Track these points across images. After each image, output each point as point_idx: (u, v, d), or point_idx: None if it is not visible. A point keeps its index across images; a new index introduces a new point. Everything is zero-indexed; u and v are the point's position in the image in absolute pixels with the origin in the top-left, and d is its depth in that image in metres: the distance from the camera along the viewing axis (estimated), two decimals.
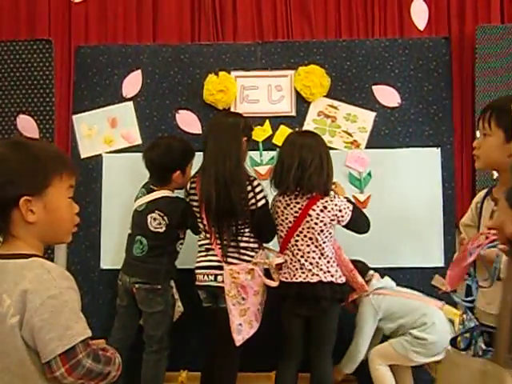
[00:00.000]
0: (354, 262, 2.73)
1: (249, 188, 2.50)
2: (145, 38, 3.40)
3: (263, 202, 2.53)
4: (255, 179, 2.57)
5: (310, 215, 2.52)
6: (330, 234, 2.56)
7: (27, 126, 3.32)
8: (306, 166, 2.49)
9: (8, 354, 1.18)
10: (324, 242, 2.54)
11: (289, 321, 2.61)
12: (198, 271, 2.61)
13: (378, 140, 3.19)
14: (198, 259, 2.64)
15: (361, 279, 2.68)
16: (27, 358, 1.17)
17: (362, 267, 2.80)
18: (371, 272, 2.85)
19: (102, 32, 3.41)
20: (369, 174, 3.16)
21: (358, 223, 2.62)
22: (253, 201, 2.51)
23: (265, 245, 2.70)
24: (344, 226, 2.60)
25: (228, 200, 2.43)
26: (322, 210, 2.52)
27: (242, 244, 2.56)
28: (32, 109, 3.33)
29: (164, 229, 2.71)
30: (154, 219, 2.72)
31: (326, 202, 2.53)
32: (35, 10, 3.42)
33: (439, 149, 3.17)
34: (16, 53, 3.34)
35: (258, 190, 2.52)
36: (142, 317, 2.80)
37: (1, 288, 1.19)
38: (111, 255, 3.17)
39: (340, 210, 2.53)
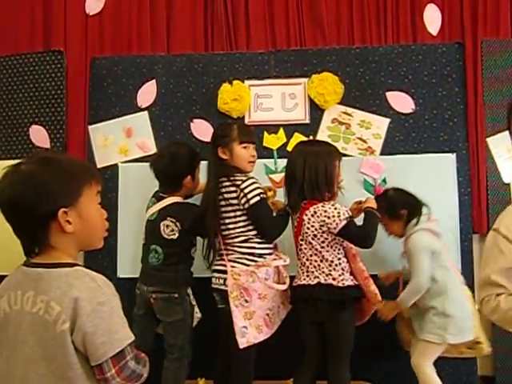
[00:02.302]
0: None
1: (239, 189, 2.53)
2: (159, 48, 3.42)
3: (256, 199, 2.53)
4: (249, 179, 2.56)
5: (303, 220, 2.55)
6: (327, 239, 2.54)
7: (39, 136, 3.36)
8: (288, 172, 2.61)
9: (54, 358, 1.25)
10: (322, 248, 2.54)
11: (301, 326, 2.62)
12: (213, 274, 2.67)
13: (392, 146, 3.17)
14: (214, 263, 2.68)
15: (374, 287, 2.56)
16: (76, 361, 1.25)
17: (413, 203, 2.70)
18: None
19: (117, 43, 3.45)
20: (383, 181, 3.12)
21: (356, 236, 2.54)
22: (243, 200, 2.53)
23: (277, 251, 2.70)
24: (339, 236, 2.54)
25: (205, 207, 2.57)
26: (312, 215, 2.53)
27: (247, 250, 2.58)
28: (44, 119, 3.36)
29: (177, 235, 2.72)
30: (167, 226, 2.73)
31: (317, 207, 2.53)
32: (51, 23, 3.47)
33: (454, 154, 3.15)
34: (30, 64, 3.40)
35: (247, 190, 2.53)
36: (160, 325, 2.81)
37: (47, 295, 1.25)
38: (128, 264, 3.17)
39: (328, 217, 2.51)
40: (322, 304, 2.49)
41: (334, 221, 2.50)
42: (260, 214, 2.56)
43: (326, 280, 2.51)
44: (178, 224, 2.72)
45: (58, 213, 1.27)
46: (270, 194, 2.79)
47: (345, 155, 3.01)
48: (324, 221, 2.51)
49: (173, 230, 2.71)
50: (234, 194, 2.55)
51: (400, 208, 2.70)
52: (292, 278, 2.64)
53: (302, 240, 2.59)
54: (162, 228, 2.74)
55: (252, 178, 2.59)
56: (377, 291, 2.56)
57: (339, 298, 2.49)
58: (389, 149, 3.17)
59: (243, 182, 2.55)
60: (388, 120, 3.18)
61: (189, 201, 2.90)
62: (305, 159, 2.56)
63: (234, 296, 2.51)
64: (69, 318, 1.23)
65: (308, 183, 2.55)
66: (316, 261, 2.55)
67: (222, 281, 2.59)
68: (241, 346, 2.47)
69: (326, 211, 2.52)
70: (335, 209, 2.53)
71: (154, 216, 2.81)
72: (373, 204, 2.66)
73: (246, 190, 2.53)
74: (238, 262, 2.58)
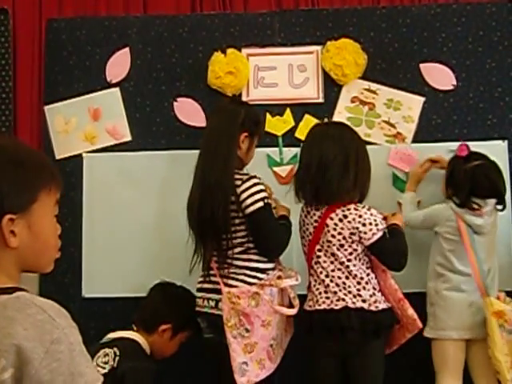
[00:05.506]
0: None
1: (239, 190, 2.33)
2: (133, 7, 3.25)
3: (259, 204, 2.31)
4: (251, 178, 2.35)
5: (327, 225, 2.33)
6: (356, 250, 2.32)
7: None
8: (326, 166, 2.33)
9: None
10: (349, 260, 2.32)
11: (318, 361, 2.38)
12: (197, 294, 2.45)
13: (428, 132, 2.93)
14: (198, 280, 2.48)
15: (412, 311, 2.34)
16: None
17: None
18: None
19: (80, 1, 3.24)
20: None
21: (390, 253, 2.37)
22: (243, 205, 2.32)
23: (283, 265, 2.47)
24: (369, 249, 2.34)
25: (210, 206, 2.32)
26: (340, 220, 2.30)
27: (246, 263, 2.36)
28: None
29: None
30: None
31: (349, 210, 2.30)
32: None
33: (506, 142, 2.89)
34: None
35: (248, 192, 2.30)
36: None
37: None
38: (95, 280, 2.94)
39: (364, 224, 2.28)
40: (353, 334, 2.26)
41: (371, 230, 2.28)
42: (261, 223, 2.32)
43: (354, 303, 2.28)
44: None
45: (3, 220, 1.11)
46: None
47: (368, 143, 2.77)
48: (357, 228, 2.28)
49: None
50: (232, 198, 2.32)
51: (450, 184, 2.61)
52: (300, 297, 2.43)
53: (320, 251, 2.35)
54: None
55: (254, 176, 2.35)
56: (415, 316, 2.35)
57: (374, 325, 2.27)
58: (423, 135, 2.93)
59: (243, 182, 2.31)
60: (422, 99, 2.94)
61: None
62: (358, 149, 2.37)
63: (231, 325, 2.27)
64: (11, 365, 1.04)
65: (359, 180, 2.34)
66: (340, 277, 2.31)
67: (212, 303, 2.35)
68: None
69: (361, 216, 2.29)
70: (371, 215, 2.30)
71: None
72: (399, 221, 2.50)
73: (246, 193, 2.31)
74: (235, 279, 2.33)
